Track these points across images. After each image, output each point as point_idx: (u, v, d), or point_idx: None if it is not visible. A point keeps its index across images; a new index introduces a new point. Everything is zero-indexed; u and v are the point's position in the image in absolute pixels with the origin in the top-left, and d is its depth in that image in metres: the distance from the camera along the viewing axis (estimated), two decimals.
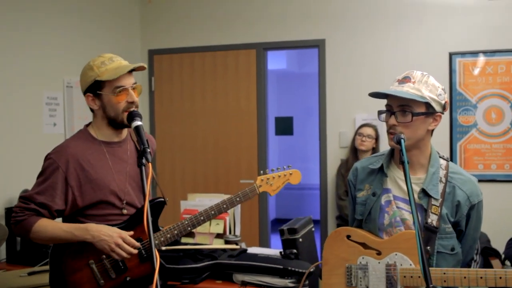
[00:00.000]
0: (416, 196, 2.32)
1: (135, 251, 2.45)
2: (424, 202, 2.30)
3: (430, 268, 2.17)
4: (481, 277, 2.11)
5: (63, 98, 5.10)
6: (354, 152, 5.37)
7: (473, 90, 5.38)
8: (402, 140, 2.17)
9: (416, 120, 2.27)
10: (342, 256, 2.41)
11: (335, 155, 5.78)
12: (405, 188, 2.26)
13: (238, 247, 3.91)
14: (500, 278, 2.08)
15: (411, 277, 2.23)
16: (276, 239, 6.94)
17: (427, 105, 2.29)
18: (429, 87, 2.29)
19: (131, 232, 2.49)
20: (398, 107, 2.29)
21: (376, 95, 2.36)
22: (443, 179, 2.33)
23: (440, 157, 2.40)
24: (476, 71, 5.35)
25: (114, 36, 5.93)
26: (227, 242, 4.09)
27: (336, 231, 2.49)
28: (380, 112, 2.40)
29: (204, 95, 6.24)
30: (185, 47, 6.24)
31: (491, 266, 4.41)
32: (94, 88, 2.54)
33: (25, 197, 2.51)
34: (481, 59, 5.36)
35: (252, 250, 3.88)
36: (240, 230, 4.36)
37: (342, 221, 5.40)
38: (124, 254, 2.43)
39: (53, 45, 5.01)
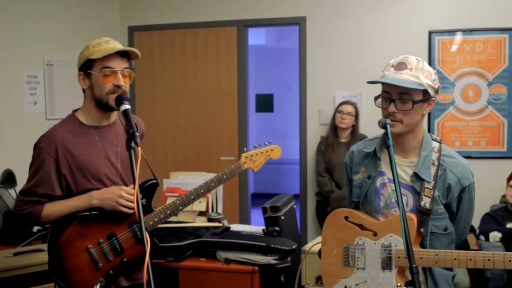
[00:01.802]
0: (409, 179, 2.39)
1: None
2: (417, 185, 2.36)
3: (422, 250, 2.27)
4: (470, 259, 2.19)
5: (43, 76, 5.06)
6: (334, 129, 5.43)
7: (452, 68, 5.46)
8: (388, 125, 2.21)
9: (415, 107, 2.31)
10: (340, 236, 2.48)
11: (315, 132, 5.85)
12: (398, 171, 2.31)
13: (220, 225, 3.97)
14: (488, 260, 2.16)
15: (405, 257, 2.28)
16: (255, 214, 7.03)
17: (424, 91, 2.33)
18: (425, 73, 2.32)
19: (131, 185, 2.59)
20: (398, 94, 2.31)
21: (374, 82, 2.37)
22: (436, 162, 2.38)
23: (433, 139, 2.45)
24: (454, 48, 5.43)
25: (94, 13, 5.88)
26: (210, 220, 4.14)
27: (334, 212, 2.55)
28: (376, 98, 2.41)
29: (185, 72, 6.23)
30: (166, 24, 6.21)
31: (465, 240, 4.54)
32: (86, 67, 2.55)
33: (25, 191, 2.56)
34: (460, 37, 5.43)
35: (235, 227, 3.94)
36: (222, 207, 4.42)
37: (321, 197, 5.48)
38: (131, 204, 2.52)
39: (32, 23, 4.96)
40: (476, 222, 4.81)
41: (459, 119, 5.48)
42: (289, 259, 3.60)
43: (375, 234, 2.40)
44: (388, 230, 2.36)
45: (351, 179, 2.60)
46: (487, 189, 5.30)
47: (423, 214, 2.33)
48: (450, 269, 2.43)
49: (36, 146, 2.56)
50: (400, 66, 2.33)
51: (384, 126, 2.24)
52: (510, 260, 2.14)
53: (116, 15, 6.29)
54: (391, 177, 2.41)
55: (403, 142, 2.41)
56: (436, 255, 2.24)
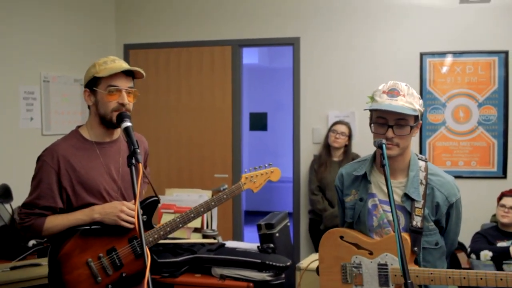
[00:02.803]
0: (399, 199, 2.49)
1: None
2: (408, 205, 2.46)
3: (418, 269, 2.36)
4: (464, 278, 2.28)
5: (40, 92, 5.10)
6: (327, 148, 5.49)
7: (443, 89, 5.56)
8: (384, 145, 2.29)
9: (411, 131, 2.45)
10: (337, 255, 2.57)
11: (308, 151, 5.91)
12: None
13: (215, 241, 4.01)
14: (481, 279, 2.26)
15: (401, 275, 2.36)
16: (247, 232, 7.06)
17: (416, 116, 2.45)
18: (415, 99, 2.44)
19: (132, 201, 2.61)
20: (395, 120, 2.42)
21: (374, 110, 2.46)
22: (423, 181, 2.49)
23: (419, 159, 2.56)
24: (445, 70, 5.53)
25: (90, 30, 5.94)
26: (204, 236, 4.17)
27: (330, 232, 2.65)
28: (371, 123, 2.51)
29: (180, 91, 6.29)
30: (161, 43, 6.28)
31: (457, 259, 4.60)
32: (92, 84, 2.61)
33: (27, 204, 2.58)
34: (450, 59, 5.54)
35: (230, 244, 3.98)
36: (217, 224, 4.45)
37: (314, 215, 5.52)
38: (132, 219, 2.55)
39: (29, 39, 5.00)
40: (467, 241, 4.87)
41: (450, 139, 5.56)
42: (283, 275, 3.64)
43: (370, 253, 2.49)
44: (383, 250, 2.45)
45: (342, 201, 2.70)
46: (478, 208, 5.38)
47: (416, 233, 2.43)
48: None
49: (39, 159, 2.60)
50: (393, 92, 2.43)
51: (380, 146, 2.32)
52: (501, 279, 2.23)
53: (112, 33, 6.36)
54: (381, 198, 2.53)
55: (393, 164, 2.49)
56: (431, 273, 2.33)
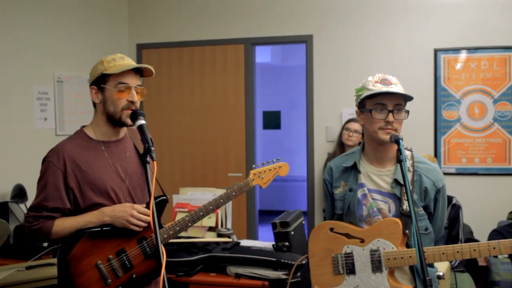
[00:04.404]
0: (388, 187, 2.54)
1: (149, 219, 2.52)
2: (397, 191, 2.51)
3: (412, 250, 2.40)
4: (457, 252, 2.34)
5: (53, 92, 5.12)
6: (341, 146, 5.46)
7: (457, 86, 5.51)
8: (401, 140, 2.36)
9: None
10: (327, 247, 2.61)
11: (322, 149, 5.88)
12: (377, 181, 2.56)
13: (230, 240, 4.00)
14: (474, 250, 2.33)
15: (395, 258, 2.44)
16: (262, 231, 7.04)
17: (405, 102, 2.54)
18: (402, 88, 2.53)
19: (143, 204, 2.59)
20: (394, 105, 2.49)
21: (375, 94, 2.50)
22: (411, 169, 2.55)
23: (405, 148, 2.59)
24: (459, 66, 5.48)
25: (103, 30, 5.96)
26: (219, 235, 4.16)
27: (319, 225, 2.69)
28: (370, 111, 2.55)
29: (193, 90, 6.29)
30: (174, 42, 6.29)
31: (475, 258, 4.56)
32: (100, 82, 2.56)
33: (35, 206, 2.52)
34: (465, 55, 5.49)
35: (245, 243, 3.97)
36: (231, 223, 4.45)
37: None
38: (142, 223, 2.52)
39: (43, 40, 5.03)
40: (483, 238, 4.83)
41: (465, 136, 5.51)
42: (298, 274, 3.62)
43: (362, 241, 2.53)
44: (375, 236, 2.50)
45: (332, 194, 2.74)
46: (494, 205, 5.33)
47: (406, 217, 2.46)
48: (432, 266, 2.59)
49: (44, 160, 2.55)
50: (385, 82, 2.52)
51: (396, 141, 2.39)
52: (494, 248, 2.29)
53: (125, 32, 6.37)
54: (370, 187, 2.59)
55: (384, 152, 2.58)
56: (425, 252, 2.36)
